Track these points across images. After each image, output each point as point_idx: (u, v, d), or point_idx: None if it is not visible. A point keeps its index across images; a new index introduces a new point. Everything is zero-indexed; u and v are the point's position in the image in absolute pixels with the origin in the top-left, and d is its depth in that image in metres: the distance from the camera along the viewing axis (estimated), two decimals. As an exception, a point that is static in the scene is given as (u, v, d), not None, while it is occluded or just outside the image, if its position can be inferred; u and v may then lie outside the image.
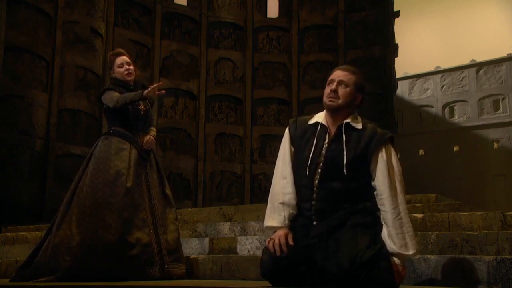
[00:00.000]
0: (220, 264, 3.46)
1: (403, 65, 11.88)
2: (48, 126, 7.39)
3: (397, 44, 9.78)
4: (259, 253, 3.61)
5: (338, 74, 2.52)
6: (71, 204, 3.35)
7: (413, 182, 9.42)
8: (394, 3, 10.06)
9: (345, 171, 2.37)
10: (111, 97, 3.49)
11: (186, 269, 3.47)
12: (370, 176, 2.42)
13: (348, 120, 2.47)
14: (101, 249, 3.19)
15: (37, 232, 5.21)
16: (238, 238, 3.92)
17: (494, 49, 12.51)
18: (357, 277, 2.19)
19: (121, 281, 3.09)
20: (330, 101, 2.49)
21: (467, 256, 2.70)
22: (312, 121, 2.56)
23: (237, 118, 9.63)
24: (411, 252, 2.33)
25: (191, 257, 3.68)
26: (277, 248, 2.34)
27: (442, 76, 13.31)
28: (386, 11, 9.65)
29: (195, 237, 4.46)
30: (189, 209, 6.92)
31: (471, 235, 3.05)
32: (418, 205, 4.43)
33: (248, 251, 3.79)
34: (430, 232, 3.24)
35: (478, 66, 12.85)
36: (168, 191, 3.61)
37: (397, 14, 9.97)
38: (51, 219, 3.46)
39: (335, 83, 2.50)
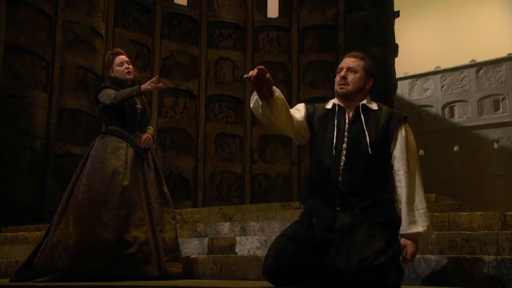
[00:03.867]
0: (220, 264, 3.46)
1: (403, 65, 11.88)
2: (48, 126, 7.38)
3: (397, 44, 9.77)
4: (259, 253, 3.62)
5: (346, 61, 2.55)
6: (68, 203, 3.35)
7: (413, 182, 9.39)
8: (394, 3, 10.05)
9: (369, 150, 2.37)
10: (108, 95, 3.48)
11: (183, 269, 3.47)
12: (391, 156, 2.43)
13: (364, 102, 2.50)
14: (98, 247, 3.19)
15: (37, 232, 5.21)
16: (238, 238, 3.92)
17: (494, 49, 12.52)
18: (362, 279, 2.17)
19: (119, 281, 3.09)
20: (340, 88, 2.51)
21: (467, 256, 2.70)
22: (329, 106, 2.57)
23: (237, 118, 9.62)
24: (419, 229, 2.31)
25: (191, 257, 3.68)
26: (256, 70, 2.27)
27: (442, 76, 13.32)
28: (386, 11, 9.64)
29: (195, 237, 4.46)
30: (189, 209, 6.92)
31: (471, 235, 3.05)
32: (418, 205, 4.42)
33: (248, 251, 3.79)
34: (430, 232, 3.23)
35: (478, 66, 12.85)
36: (165, 190, 3.60)
37: (397, 14, 9.97)
38: (51, 219, 3.46)
39: (344, 70, 2.52)
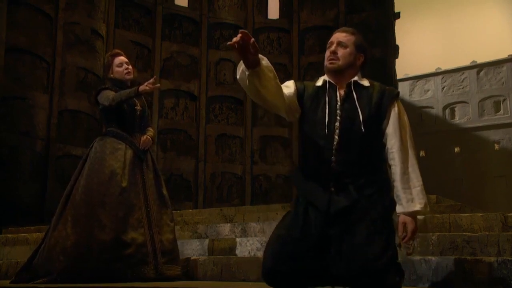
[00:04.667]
0: (221, 266, 3.46)
1: (404, 66, 11.87)
2: (48, 127, 7.38)
3: (397, 45, 9.77)
4: (259, 254, 3.61)
5: (337, 36, 2.48)
6: (66, 205, 3.35)
7: (413, 183, 9.39)
8: (395, 4, 10.05)
9: (363, 128, 2.30)
10: (107, 96, 3.50)
11: (182, 271, 3.46)
12: (384, 134, 2.37)
13: (356, 79, 2.43)
14: (96, 248, 3.19)
15: (37, 233, 5.21)
16: (239, 239, 3.92)
17: (495, 50, 12.52)
18: (363, 280, 2.15)
19: (117, 282, 3.08)
20: (330, 63, 2.45)
21: (468, 258, 2.70)
22: (319, 83, 2.50)
23: (238, 119, 9.62)
24: (417, 207, 2.26)
25: (191, 258, 3.68)
26: (239, 34, 2.10)
27: (443, 77, 13.31)
28: (387, 13, 9.64)
29: (195, 238, 4.46)
30: (190, 210, 6.92)
31: (472, 236, 3.05)
32: (418, 206, 4.41)
33: (249, 252, 3.79)
34: (431, 234, 3.23)
35: (478, 67, 12.85)
36: (164, 192, 3.60)
37: (397, 15, 9.97)
38: (51, 220, 3.47)
39: (334, 45, 2.46)
